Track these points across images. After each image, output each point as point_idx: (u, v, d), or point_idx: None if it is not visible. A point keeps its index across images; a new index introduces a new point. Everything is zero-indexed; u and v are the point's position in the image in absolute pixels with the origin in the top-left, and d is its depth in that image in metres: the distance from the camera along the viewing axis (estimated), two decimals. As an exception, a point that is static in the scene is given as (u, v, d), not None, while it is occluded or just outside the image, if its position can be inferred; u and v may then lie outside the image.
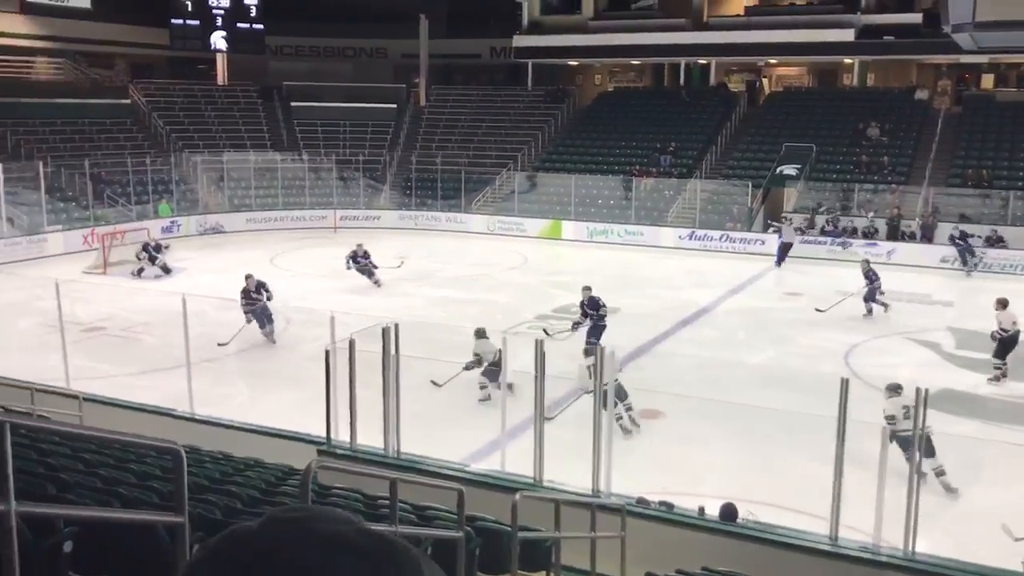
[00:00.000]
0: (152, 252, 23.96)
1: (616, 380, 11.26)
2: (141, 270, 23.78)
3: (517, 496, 5.32)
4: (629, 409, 12.44)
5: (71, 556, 3.85)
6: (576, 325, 16.54)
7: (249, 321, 17.10)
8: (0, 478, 2.75)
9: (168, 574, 3.91)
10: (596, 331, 16.21)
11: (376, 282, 22.15)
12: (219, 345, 16.27)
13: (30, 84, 36.09)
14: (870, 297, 19.83)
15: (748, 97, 37.70)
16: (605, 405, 9.02)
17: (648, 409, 12.92)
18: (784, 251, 26.59)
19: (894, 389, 11.13)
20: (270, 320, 17.34)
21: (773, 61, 39.27)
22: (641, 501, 8.16)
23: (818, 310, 19.93)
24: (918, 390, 7.81)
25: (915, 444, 7.92)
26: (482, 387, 13.74)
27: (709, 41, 37.00)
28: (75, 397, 11.28)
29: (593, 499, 7.54)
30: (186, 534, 3.24)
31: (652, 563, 6.61)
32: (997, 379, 15.26)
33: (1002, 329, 15.15)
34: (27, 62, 37.25)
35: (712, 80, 39.03)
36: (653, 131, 35.80)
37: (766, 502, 9.71)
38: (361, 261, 22.23)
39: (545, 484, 8.54)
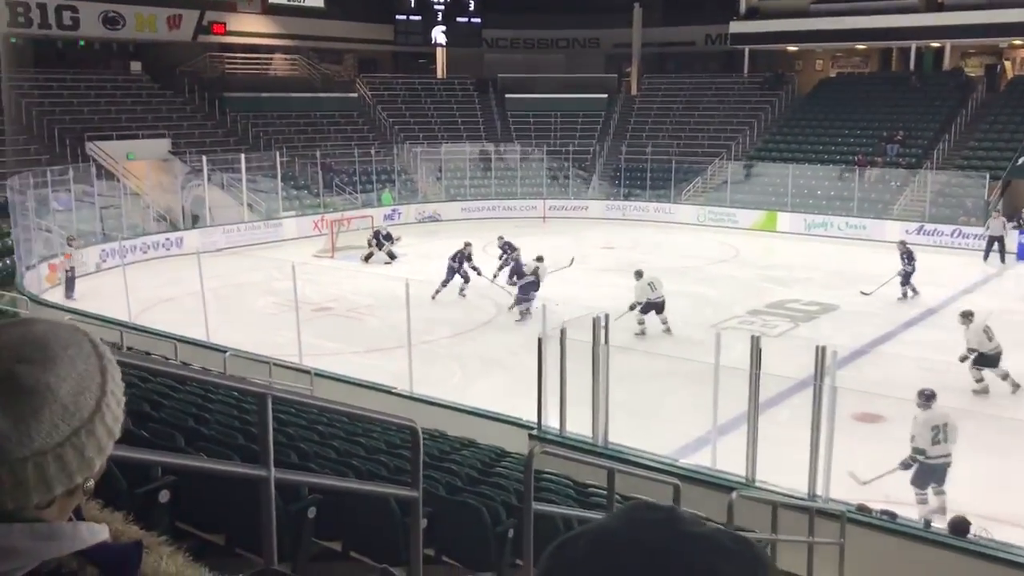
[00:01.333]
0: (382, 239, 25.24)
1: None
2: (371, 255, 25.09)
3: (734, 495, 5.23)
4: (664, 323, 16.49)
5: (313, 522, 4.14)
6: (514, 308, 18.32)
7: (448, 280, 19.64)
8: (262, 446, 3.00)
9: (397, 546, 4.13)
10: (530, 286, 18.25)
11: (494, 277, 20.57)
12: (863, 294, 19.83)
13: (269, 80, 39.05)
14: (905, 280, 19.86)
15: (987, 81, 34.82)
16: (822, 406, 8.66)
17: (868, 413, 12.28)
18: (991, 245, 25.10)
19: None
20: (464, 282, 19.94)
21: (1019, 42, 36.01)
22: (862, 508, 7.77)
23: (863, 293, 19.92)
24: None
25: None
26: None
27: (946, 23, 34.48)
28: (307, 372, 12.11)
29: (811, 503, 7.27)
30: (419, 508, 3.40)
31: (872, 574, 6.31)
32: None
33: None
34: (267, 59, 40.26)
35: (946, 64, 36.37)
36: (879, 119, 33.88)
37: (1000, 519, 9.00)
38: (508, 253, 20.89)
39: (757, 484, 8.31)
